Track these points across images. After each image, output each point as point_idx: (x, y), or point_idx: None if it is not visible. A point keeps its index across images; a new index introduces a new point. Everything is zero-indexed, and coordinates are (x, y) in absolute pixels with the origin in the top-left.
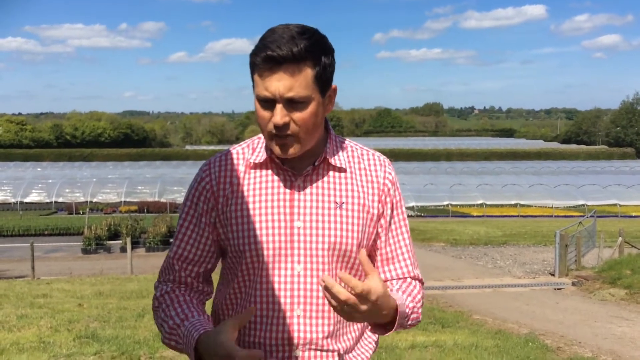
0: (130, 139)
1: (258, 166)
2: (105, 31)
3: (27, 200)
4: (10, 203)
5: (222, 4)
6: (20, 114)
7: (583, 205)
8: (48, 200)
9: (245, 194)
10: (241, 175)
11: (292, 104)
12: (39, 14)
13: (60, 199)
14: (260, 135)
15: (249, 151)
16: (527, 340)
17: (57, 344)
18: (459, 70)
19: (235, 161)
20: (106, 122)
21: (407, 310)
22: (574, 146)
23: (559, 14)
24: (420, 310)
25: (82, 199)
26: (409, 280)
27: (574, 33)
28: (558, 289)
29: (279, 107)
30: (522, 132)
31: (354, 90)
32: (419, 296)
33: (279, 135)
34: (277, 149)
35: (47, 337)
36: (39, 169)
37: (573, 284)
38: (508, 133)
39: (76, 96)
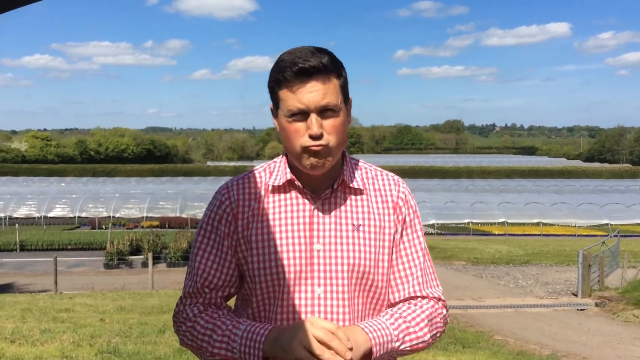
0: (153, 155)
1: (277, 189)
2: (130, 49)
3: (51, 215)
4: (34, 217)
5: (246, 22)
6: (45, 129)
7: (607, 224)
8: (71, 215)
9: (265, 217)
10: (260, 198)
11: (325, 112)
12: (66, 32)
13: (84, 214)
14: (277, 158)
15: (266, 174)
16: None
17: (80, 358)
18: (481, 87)
19: (253, 184)
20: (129, 138)
21: (388, 336)
22: (597, 164)
23: (583, 32)
24: (422, 331)
25: (105, 214)
26: (413, 302)
27: (597, 50)
28: (581, 309)
29: (313, 117)
30: (544, 150)
31: (374, 107)
32: (422, 316)
33: (312, 149)
34: (309, 163)
35: (70, 351)
36: (62, 184)
37: (596, 304)
38: (530, 151)
39: (100, 112)
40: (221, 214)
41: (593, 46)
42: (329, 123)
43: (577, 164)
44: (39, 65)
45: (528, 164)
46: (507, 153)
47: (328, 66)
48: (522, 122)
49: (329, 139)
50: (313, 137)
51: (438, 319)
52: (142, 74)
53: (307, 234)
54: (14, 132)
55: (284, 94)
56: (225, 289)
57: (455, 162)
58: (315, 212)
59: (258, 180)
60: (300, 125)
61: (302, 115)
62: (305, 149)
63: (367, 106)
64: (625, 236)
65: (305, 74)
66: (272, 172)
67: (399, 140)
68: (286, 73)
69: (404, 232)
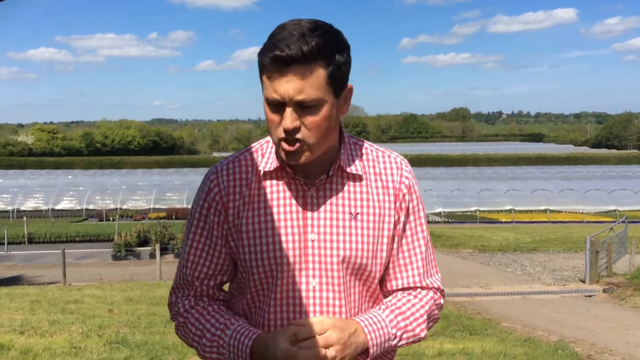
0: (159, 147)
1: (268, 175)
2: (135, 40)
3: (58, 207)
4: (42, 210)
5: (251, 12)
6: (51, 122)
7: (614, 210)
8: (79, 208)
9: (257, 205)
10: (252, 185)
11: (303, 107)
12: (71, 25)
13: (91, 206)
14: (269, 138)
15: (258, 157)
16: (557, 348)
17: (88, 349)
18: (487, 74)
19: (244, 168)
20: (135, 130)
21: (386, 336)
22: (604, 150)
23: (590, 17)
24: (420, 327)
25: (112, 206)
26: (413, 293)
27: (604, 36)
28: (589, 296)
29: (288, 110)
30: (551, 137)
31: (380, 96)
32: (422, 311)
33: (288, 141)
34: (285, 156)
35: (79, 342)
36: (70, 177)
37: (604, 290)
38: (537, 138)
39: (106, 105)
40: (210, 202)
41: (600, 32)
42: (308, 118)
43: (585, 150)
44: (44, 58)
45: (535, 151)
46: (514, 140)
47: (311, 55)
48: (528, 109)
49: (307, 134)
50: (286, 132)
51: (436, 310)
52: (147, 65)
53: (301, 223)
54: (20, 126)
55: (264, 79)
56: (217, 277)
57: (462, 150)
58: (309, 200)
59: (249, 163)
60: (277, 115)
61: (279, 105)
62: (282, 140)
63: (372, 95)
64: (633, 222)
65: (283, 63)
66: (263, 154)
67: (404, 129)
68: (265, 58)
69: (407, 220)
